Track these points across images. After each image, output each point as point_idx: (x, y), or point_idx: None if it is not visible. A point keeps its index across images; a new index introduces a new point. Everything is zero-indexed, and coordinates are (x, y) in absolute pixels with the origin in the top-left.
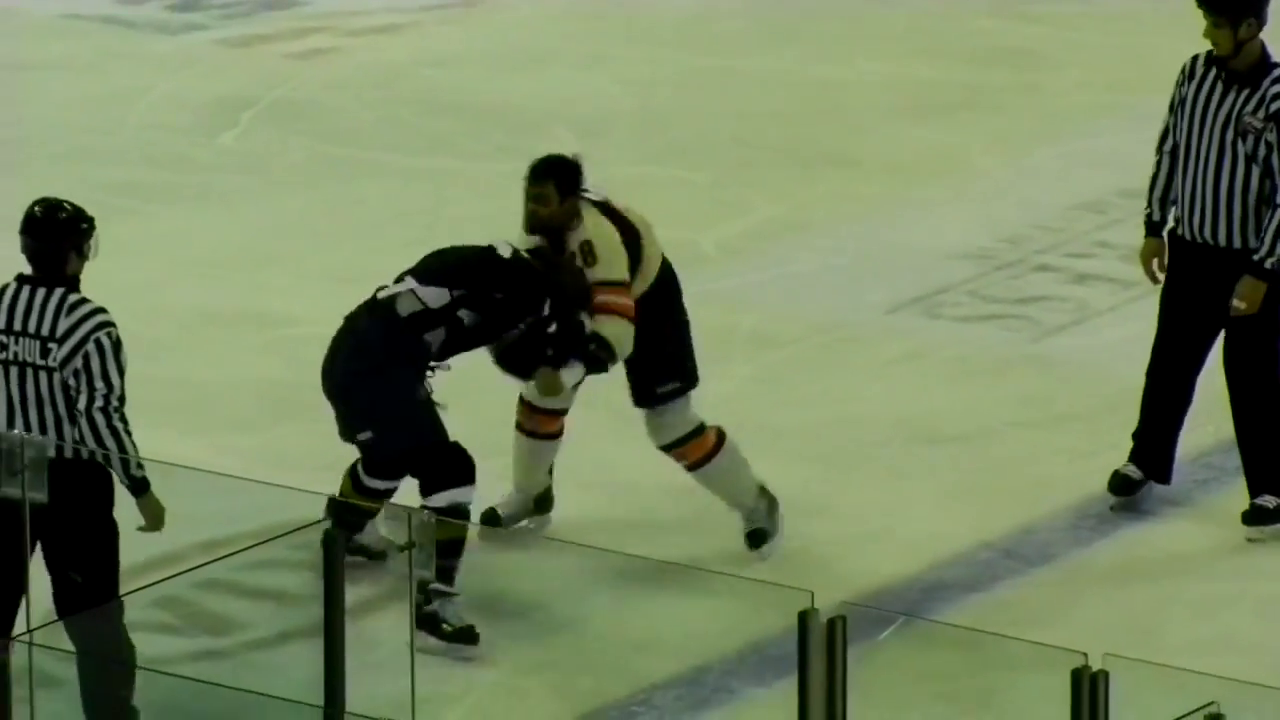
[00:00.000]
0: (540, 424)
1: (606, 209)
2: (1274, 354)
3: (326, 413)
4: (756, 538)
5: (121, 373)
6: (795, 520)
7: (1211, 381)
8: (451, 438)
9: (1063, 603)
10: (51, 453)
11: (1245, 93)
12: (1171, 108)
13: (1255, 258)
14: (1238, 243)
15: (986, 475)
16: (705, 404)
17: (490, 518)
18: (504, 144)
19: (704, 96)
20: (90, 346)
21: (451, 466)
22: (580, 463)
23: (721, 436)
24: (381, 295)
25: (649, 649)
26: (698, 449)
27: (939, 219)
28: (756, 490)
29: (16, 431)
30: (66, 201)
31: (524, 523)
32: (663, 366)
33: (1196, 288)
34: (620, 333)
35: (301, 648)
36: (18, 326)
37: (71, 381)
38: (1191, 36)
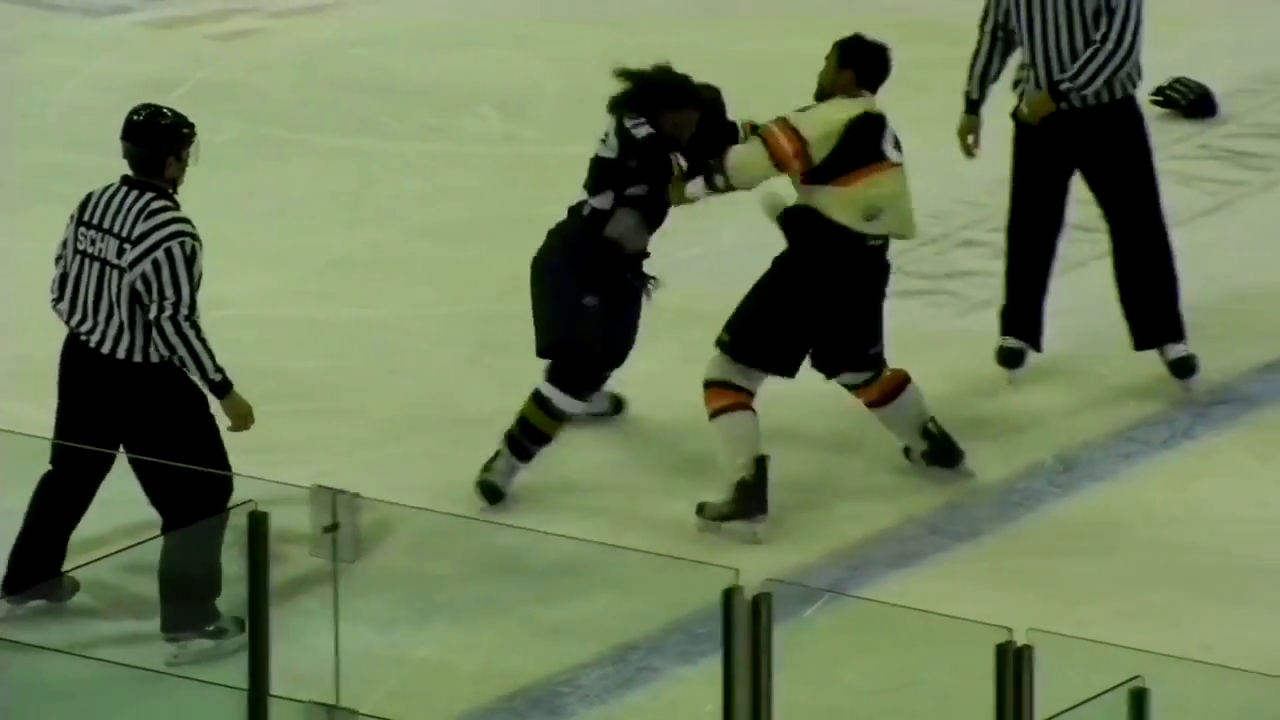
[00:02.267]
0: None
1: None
2: (1153, 193)
3: (257, 393)
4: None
5: (192, 282)
6: (719, 495)
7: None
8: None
9: (988, 578)
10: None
11: None
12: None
13: (1063, 84)
14: (1086, 98)
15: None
16: (631, 381)
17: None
18: (430, 123)
19: None
20: (160, 254)
21: (578, 376)
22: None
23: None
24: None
25: (574, 629)
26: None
27: None
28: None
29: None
30: (167, 108)
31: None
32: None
33: (1047, 150)
34: (744, 158)
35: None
36: (105, 224)
37: (140, 287)
38: None
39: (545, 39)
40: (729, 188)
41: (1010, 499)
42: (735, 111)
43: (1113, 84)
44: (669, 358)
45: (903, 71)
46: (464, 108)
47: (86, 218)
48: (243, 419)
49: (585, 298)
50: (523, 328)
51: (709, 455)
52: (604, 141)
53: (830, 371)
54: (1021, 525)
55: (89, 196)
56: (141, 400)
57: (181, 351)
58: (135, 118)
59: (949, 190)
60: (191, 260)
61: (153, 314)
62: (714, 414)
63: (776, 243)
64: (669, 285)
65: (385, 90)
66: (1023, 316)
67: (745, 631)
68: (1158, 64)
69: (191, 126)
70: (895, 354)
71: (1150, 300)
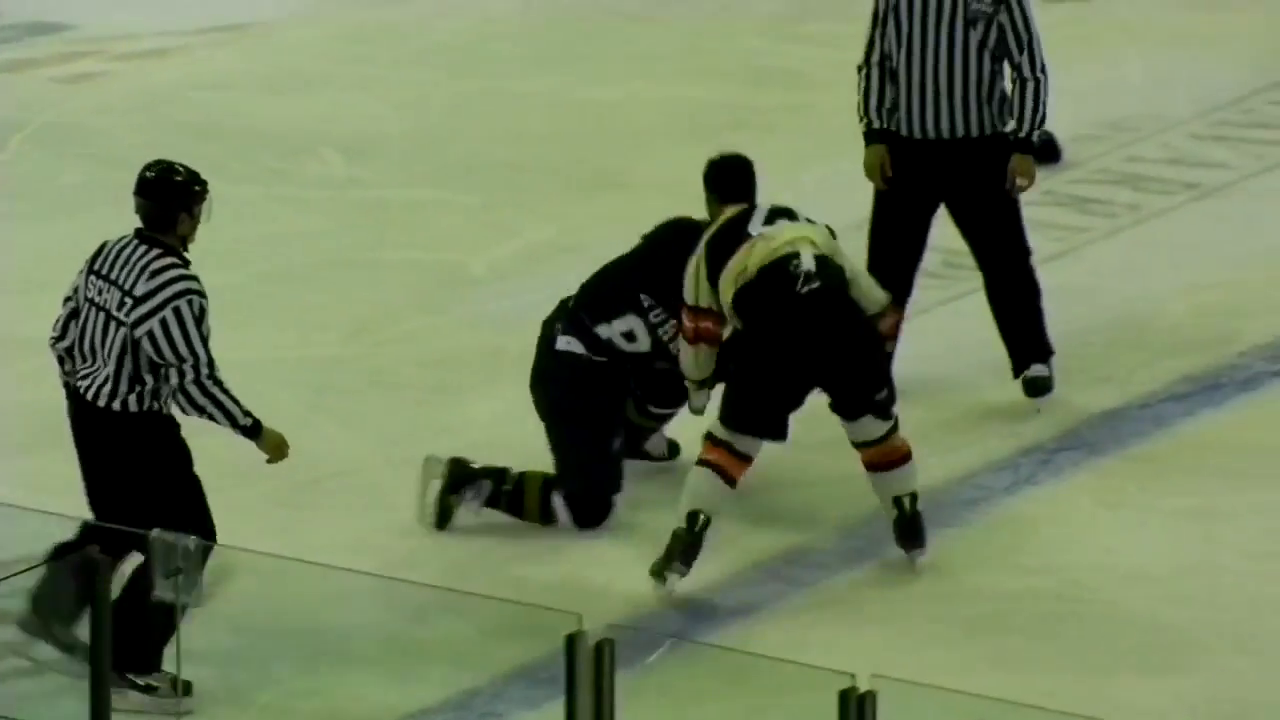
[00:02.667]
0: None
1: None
2: (1018, 221)
3: None
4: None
5: (204, 340)
6: (561, 543)
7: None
8: None
9: (833, 623)
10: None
11: None
12: (877, 20)
13: (1020, 135)
14: (961, 131)
15: (761, 495)
16: (475, 424)
17: None
18: (273, 167)
19: (475, 118)
20: (168, 313)
21: (597, 514)
22: (352, 487)
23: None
24: None
25: (418, 674)
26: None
27: None
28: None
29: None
30: (180, 164)
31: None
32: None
33: (912, 181)
34: (687, 363)
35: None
36: (111, 275)
37: (148, 349)
38: None
39: (389, 83)
40: (711, 383)
41: (854, 544)
42: (572, 152)
43: (983, 118)
44: (514, 401)
45: (748, 116)
46: (307, 151)
47: (97, 267)
48: (279, 449)
49: (614, 442)
50: (366, 371)
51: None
52: (628, 336)
53: (848, 415)
54: (866, 571)
55: (103, 245)
56: (123, 450)
57: (211, 410)
58: (148, 174)
59: None
60: (200, 318)
61: (175, 380)
62: (696, 462)
63: None
64: (514, 329)
65: (228, 134)
66: None
67: (588, 677)
68: None
69: (204, 184)
70: None
71: (1021, 327)
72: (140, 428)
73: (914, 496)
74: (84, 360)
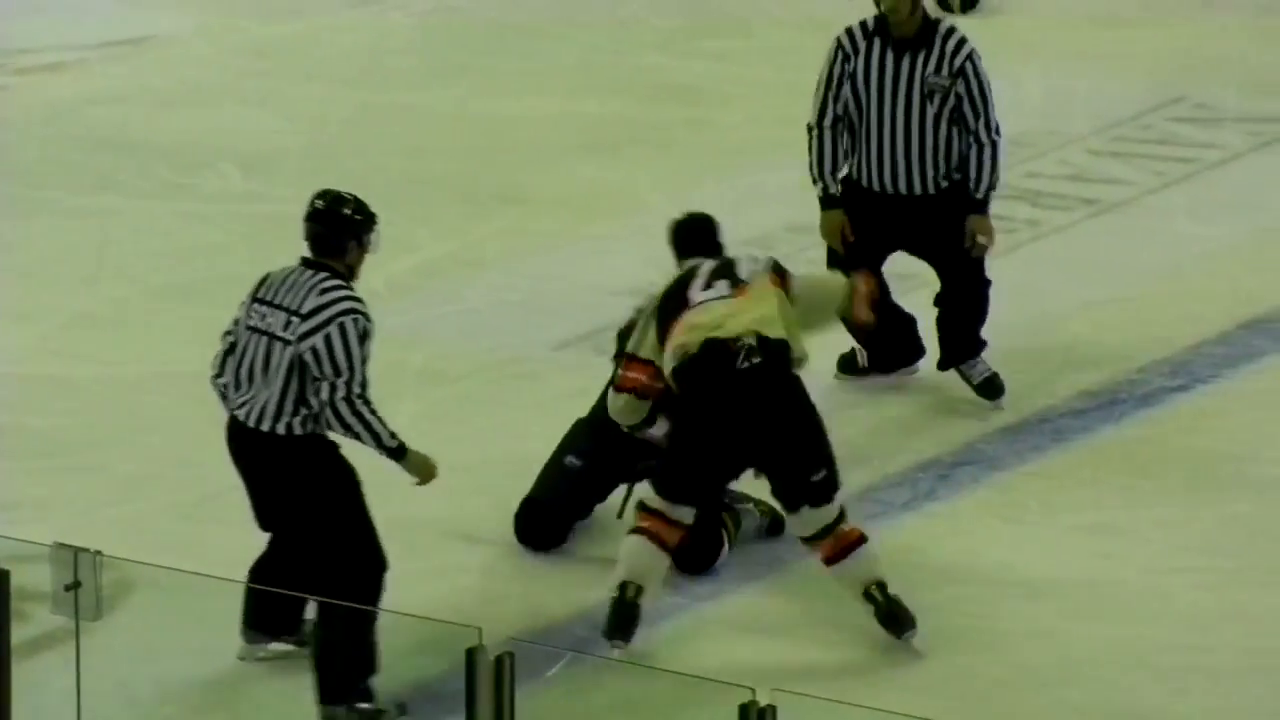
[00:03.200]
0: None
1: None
2: (981, 261)
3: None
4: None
5: (364, 360)
6: (463, 554)
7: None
8: None
9: (735, 636)
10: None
11: (922, 55)
12: (830, 83)
13: (977, 196)
14: (919, 190)
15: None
16: None
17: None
18: (171, 181)
19: (374, 133)
20: (333, 329)
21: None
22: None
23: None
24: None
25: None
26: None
27: (609, 255)
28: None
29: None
30: (350, 194)
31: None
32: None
33: (870, 227)
34: (618, 410)
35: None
36: (276, 299)
37: (310, 360)
38: None
39: (290, 97)
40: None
41: (757, 558)
42: (470, 167)
43: (939, 176)
44: (414, 416)
45: (646, 132)
46: (205, 165)
47: (260, 295)
48: (426, 471)
49: (568, 458)
50: None
51: (446, 514)
52: None
53: (789, 505)
54: (767, 586)
55: (267, 275)
56: (292, 475)
57: (358, 429)
58: (318, 202)
59: None
60: (363, 339)
61: (324, 394)
62: (629, 530)
63: (519, 303)
64: (415, 343)
65: (126, 148)
66: None
67: (488, 691)
68: None
69: (372, 215)
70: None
71: (958, 325)
72: (304, 451)
73: (882, 585)
74: (241, 388)
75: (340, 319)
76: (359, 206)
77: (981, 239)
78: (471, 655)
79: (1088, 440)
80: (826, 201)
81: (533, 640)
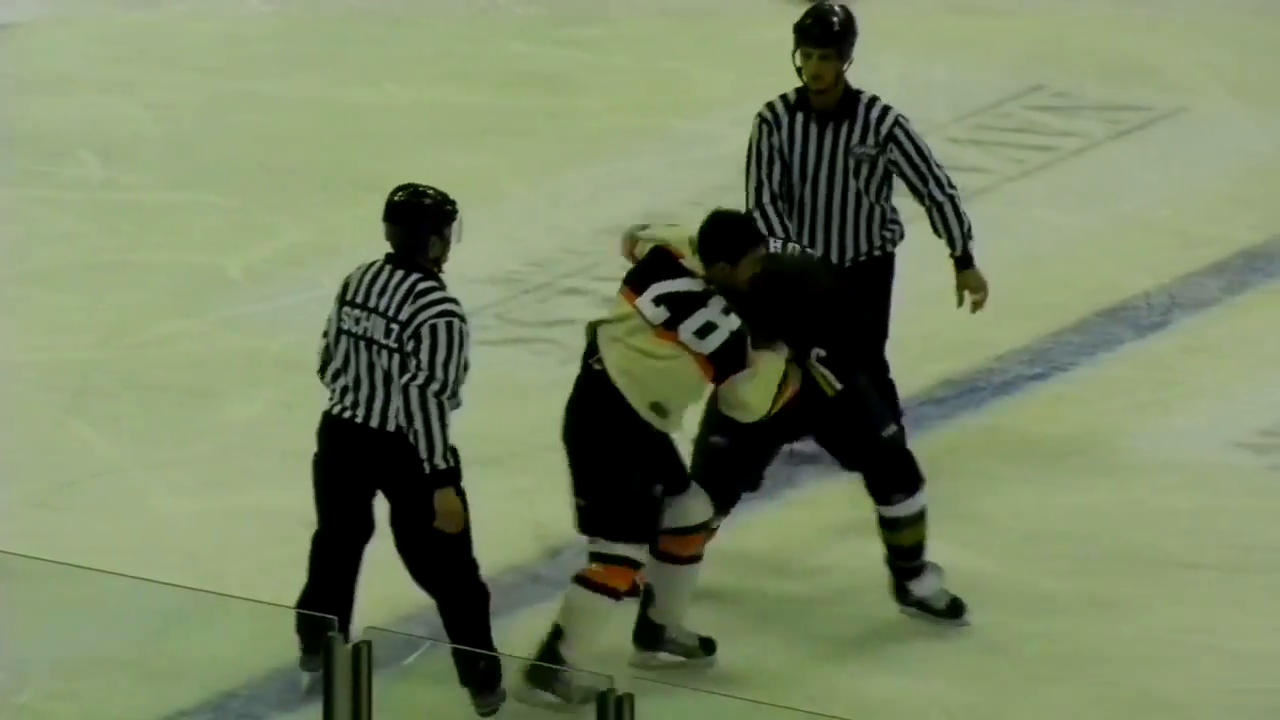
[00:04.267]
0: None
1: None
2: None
3: None
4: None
5: (456, 364)
6: None
7: None
8: None
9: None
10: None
11: (845, 126)
12: (761, 160)
13: (957, 254)
14: (850, 256)
15: (508, 501)
16: (230, 428)
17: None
18: (29, 169)
19: (232, 120)
20: (425, 329)
21: None
22: (109, 489)
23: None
24: None
25: (175, 676)
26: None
27: (467, 242)
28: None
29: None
30: (429, 187)
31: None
32: None
33: None
34: None
35: None
36: (370, 303)
37: (409, 359)
38: (717, 62)
39: (148, 84)
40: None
41: None
42: (329, 155)
43: (870, 242)
44: (270, 404)
45: (505, 120)
46: (63, 154)
47: (350, 297)
48: (453, 518)
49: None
50: (123, 373)
51: (308, 502)
52: None
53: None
54: None
55: (350, 277)
56: (407, 471)
57: (419, 423)
58: (396, 198)
59: (552, 239)
60: (460, 341)
61: (404, 380)
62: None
63: None
64: (273, 331)
65: None
66: None
67: (346, 678)
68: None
69: (454, 204)
70: (496, 402)
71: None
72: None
73: (557, 630)
74: (349, 392)
75: (433, 320)
76: (439, 198)
77: (975, 295)
78: (329, 643)
79: (947, 428)
80: None
81: (390, 629)
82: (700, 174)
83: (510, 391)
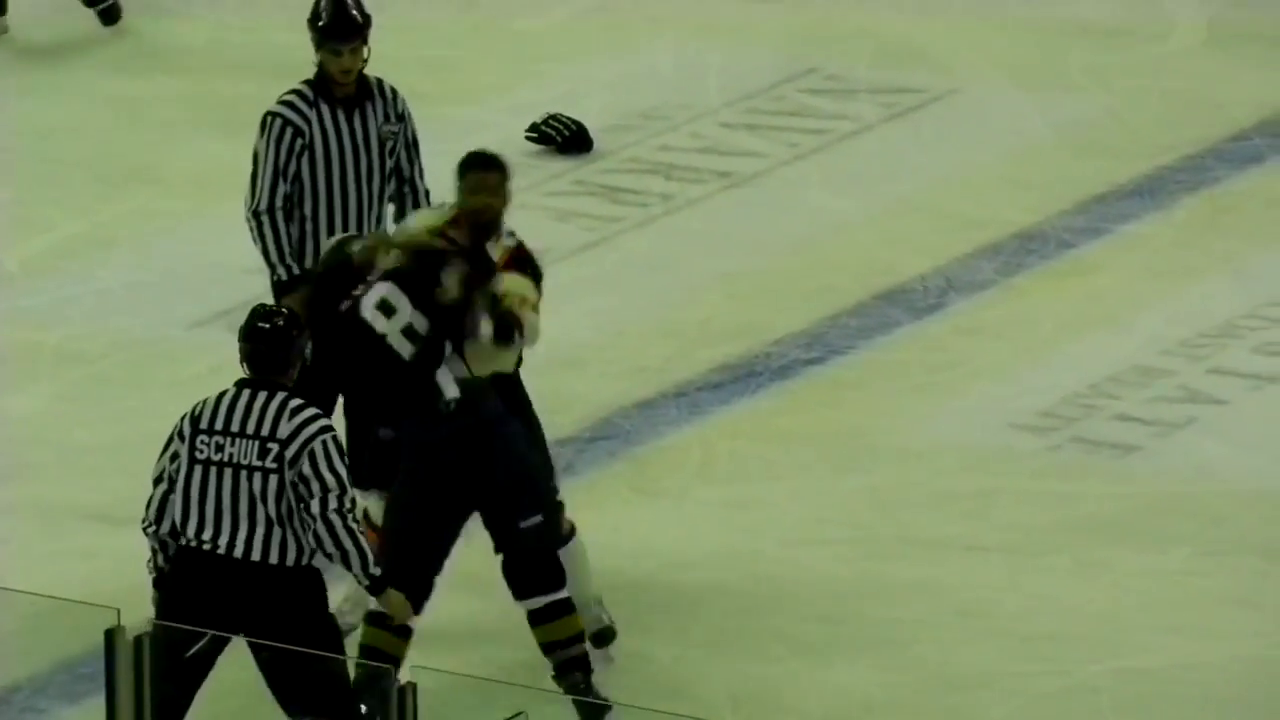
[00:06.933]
0: None
1: None
2: None
3: None
4: (603, 636)
5: (346, 469)
6: (103, 537)
7: None
8: None
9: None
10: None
11: (369, 108)
12: (278, 164)
13: None
14: None
15: None
16: (12, 420)
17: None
18: None
19: (3, 112)
20: (317, 445)
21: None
22: None
23: (573, 528)
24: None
25: None
26: None
27: (242, 234)
28: (595, 593)
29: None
30: (283, 307)
31: None
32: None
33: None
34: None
35: None
36: (235, 428)
37: (300, 481)
38: (488, 50)
39: None
40: None
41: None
42: (101, 147)
43: None
44: (48, 397)
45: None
46: None
47: (206, 426)
48: (401, 611)
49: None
50: None
51: (86, 496)
52: None
53: None
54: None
55: (200, 406)
56: (282, 602)
57: (348, 546)
58: (257, 319)
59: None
60: (342, 453)
61: (316, 509)
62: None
63: (153, 283)
64: (50, 324)
65: None
66: None
67: (128, 671)
68: (532, 101)
69: (303, 324)
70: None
71: None
72: (302, 580)
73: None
74: (209, 524)
75: (321, 437)
76: (295, 319)
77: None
78: (110, 636)
79: (724, 413)
80: (289, 285)
81: (173, 624)
82: None
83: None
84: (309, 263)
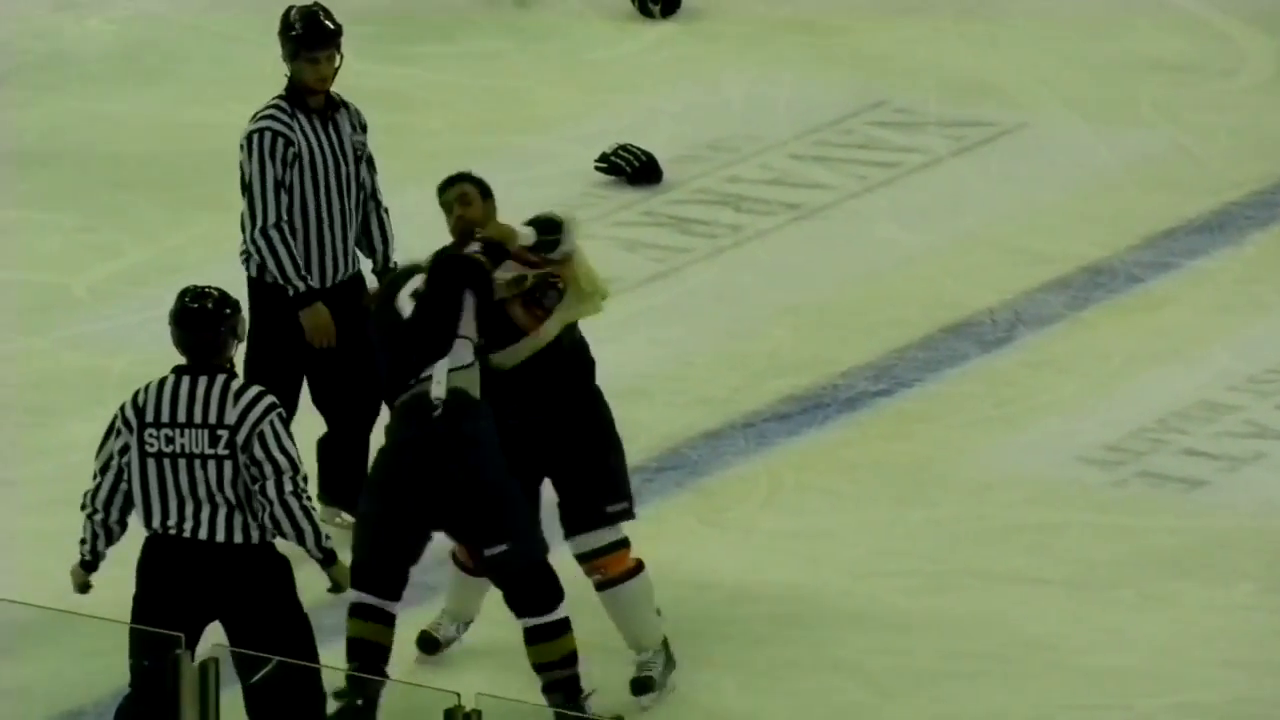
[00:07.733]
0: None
1: None
2: None
3: None
4: (642, 685)
5: (294, 447)
6: None
7: None
8: None
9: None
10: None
11: (339, 118)
12: (276, 178)
13: (386, 267)
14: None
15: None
16: (76, 446)
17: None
18: None
19: (72, 139)
20: (265, 427)
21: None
22: None
23: (640, 563)
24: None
25: (22, 694)
26: (617, 563)
27: None
28: (661, 639)
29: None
30: (211, 288)
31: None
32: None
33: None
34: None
35: None
36: (181, 418)
37: (252, 464)
38: (558, 80)
39: None
40: None
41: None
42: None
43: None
44: None
45: None
46: None
47: (151, 419)
48: (344, 579)
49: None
50: None
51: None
52: None
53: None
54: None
55: (141, 395)
56: (252, 581)
57: (303, 525)
58: (187, 303)
59: (396, 259)
60: (288, 430)
61: (272, 492)
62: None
63: None
64: (116, 350)
65: None
66: None
67: (193, 695)
68: (602, 131)
69: (237, 304)
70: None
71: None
72: (259, 560)
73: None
74: (173, 512)
75: (268, 417)
76: (223, 296)
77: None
78: (176, 661)
79: (791, 445)
80: (308, 298)
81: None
82: (542, 191)
83: None
84: (332, 262)
